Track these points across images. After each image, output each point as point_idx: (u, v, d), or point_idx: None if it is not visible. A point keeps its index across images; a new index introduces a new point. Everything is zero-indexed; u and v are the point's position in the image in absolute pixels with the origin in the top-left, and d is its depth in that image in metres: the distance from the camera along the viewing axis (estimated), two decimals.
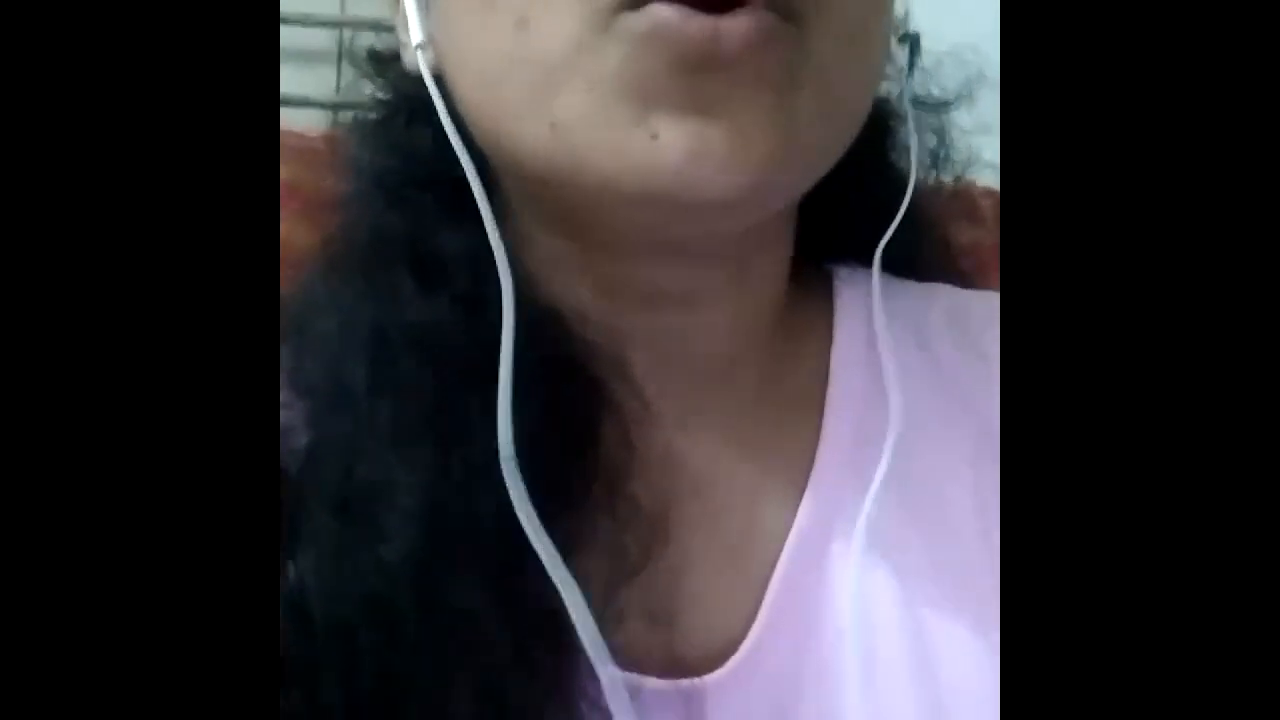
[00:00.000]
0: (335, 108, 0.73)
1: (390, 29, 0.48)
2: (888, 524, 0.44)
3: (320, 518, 0.40)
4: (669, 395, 0.45)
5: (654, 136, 0.36)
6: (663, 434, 0.45)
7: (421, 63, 0.42)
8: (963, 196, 0.54)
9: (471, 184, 0.40)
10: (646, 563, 0.42)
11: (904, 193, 0.46)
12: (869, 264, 0.48)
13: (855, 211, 0.48)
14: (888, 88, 0.47)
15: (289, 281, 0.45)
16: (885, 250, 0.47)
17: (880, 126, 0.49)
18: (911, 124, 0.47)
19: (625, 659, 0.41)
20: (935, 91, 0.52)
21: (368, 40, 0.51)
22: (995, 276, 0.35)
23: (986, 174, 0.54)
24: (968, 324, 0.49)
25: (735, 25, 0.35)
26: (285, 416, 0.39)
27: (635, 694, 0.42)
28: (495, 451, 0.38)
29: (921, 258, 0.53)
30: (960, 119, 0.53)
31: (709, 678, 0.43)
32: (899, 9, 0.45)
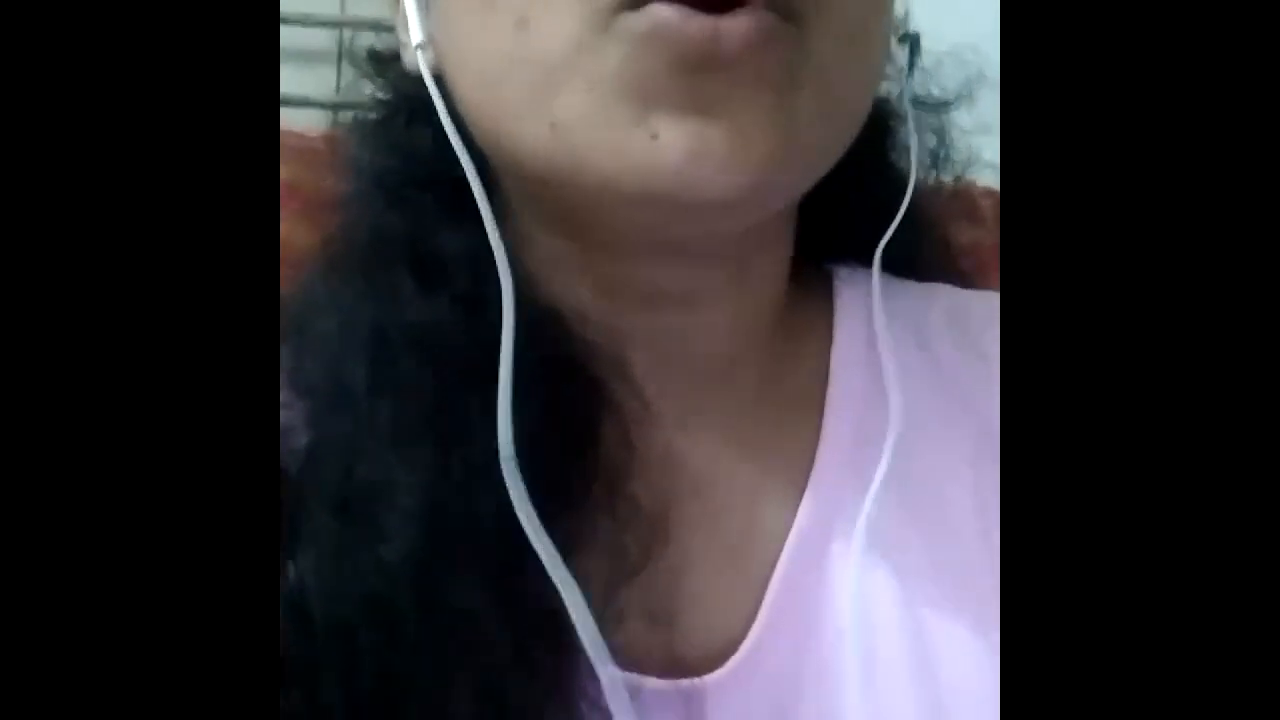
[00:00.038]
0: (335, 108, 0.73)
1: (390, 29, 0.48)
2: (888, 524, 0.44)
3: (320, 518, 0.40)
4: (669, 395, 0.45)
5: (654, 136, 0.36)
6: (663, 434, 0.45)
7: (421, 63, 0.42)
8: (963, 196, 0.54)
9: (471, 184, 0.40)
10: (646, 563, 0.42)
11: (904, 193, 0.46)
12: (869, 264, 0.48)
13: (855, 211, 0.48)
14: (887, 88, 0.47)
15: (289, 281, 0.45)
16: (885, 250, 0.47)
17: (880, 126, 0.49)
18: (911, 124, 0.47)
19: (625, 659, 0.41)
20: (935, 91, 0.53)
21: (368, 40, 0.51)
22: (995, 276, 0.35)
23: (987, 174, 0.54)
24: (968, 324, 0.50)
25: (735, 25, 0.35)
26: (285, 416, 0.39)
27: (635, 694, 0.42)
28: (495, 451, 0.38)
29: (922, 258, 0.53)
30: (960, 119, 0.53)
31: (709, 678, 0.43)
32: (899, 9, 0.45)
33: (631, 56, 0.36)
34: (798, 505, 0.45)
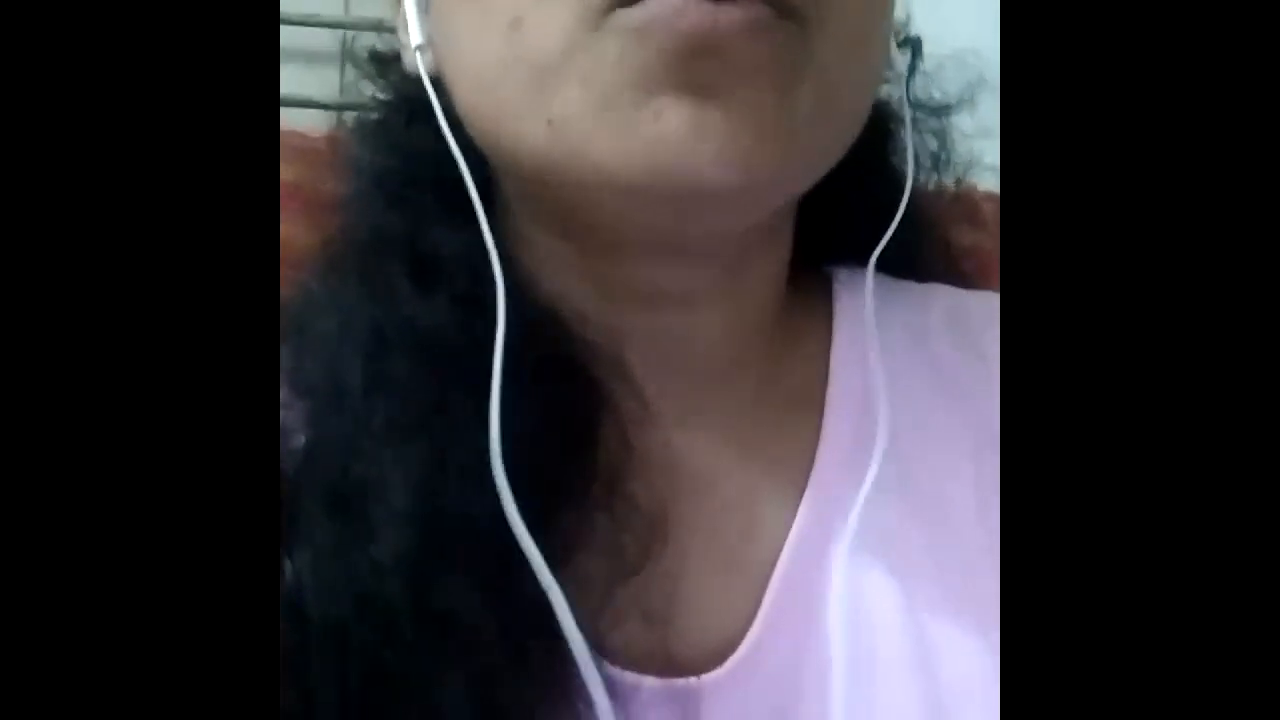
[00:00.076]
0: (339, 108, 0.73)
1: (393, 30, 0.48)
2: (889, 523, 0.44)
3: (316, 517, 0.40)
4: (668, 395, 0.45)
5: (652, 120, 0.36)
6: (662, 434, 0.45)
7: (420, 65, 0.42)
8: (964, 200, 0.54)
9: (466, 185, 0.40)
10: (645, 563, 0.42)
11: (907, 193, 0.46)
12: (868, 265, 0.48)
13: (855, 214, 0.48)
14: (888, 90, 0.47)
15: (291, 282, 0.45)
16: (885, 252, 0.47)
17: (880, 129, 0.49)
18: (909, 127, 0.47)
19: (624, 658, 0.42)
20: (937, 95, 0.53)
21: (372, 41, 0.51)
22: (996, 279, 0.35)
23: (988, 178, 0.54)
24: (967, 324, 0.50)
25: (732, 14, 0.36)
26: (284, 416, 0.39)
27: (633, 693, 0.42)
28: (488, 451, 0.38)
29: (922, 259, 0.53)
30: (962, 123, 0.53)
31: (706, 677, 0.43)
32: (900, 13, 0.46)
33: (628, 50, 0.36)
34: (797, 506, 0.45)
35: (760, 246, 0.45)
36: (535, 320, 0.42)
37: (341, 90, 0.55)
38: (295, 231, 0.47)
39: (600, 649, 0.41)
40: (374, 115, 0.50)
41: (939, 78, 0.52)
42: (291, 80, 0.96)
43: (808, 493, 0.45)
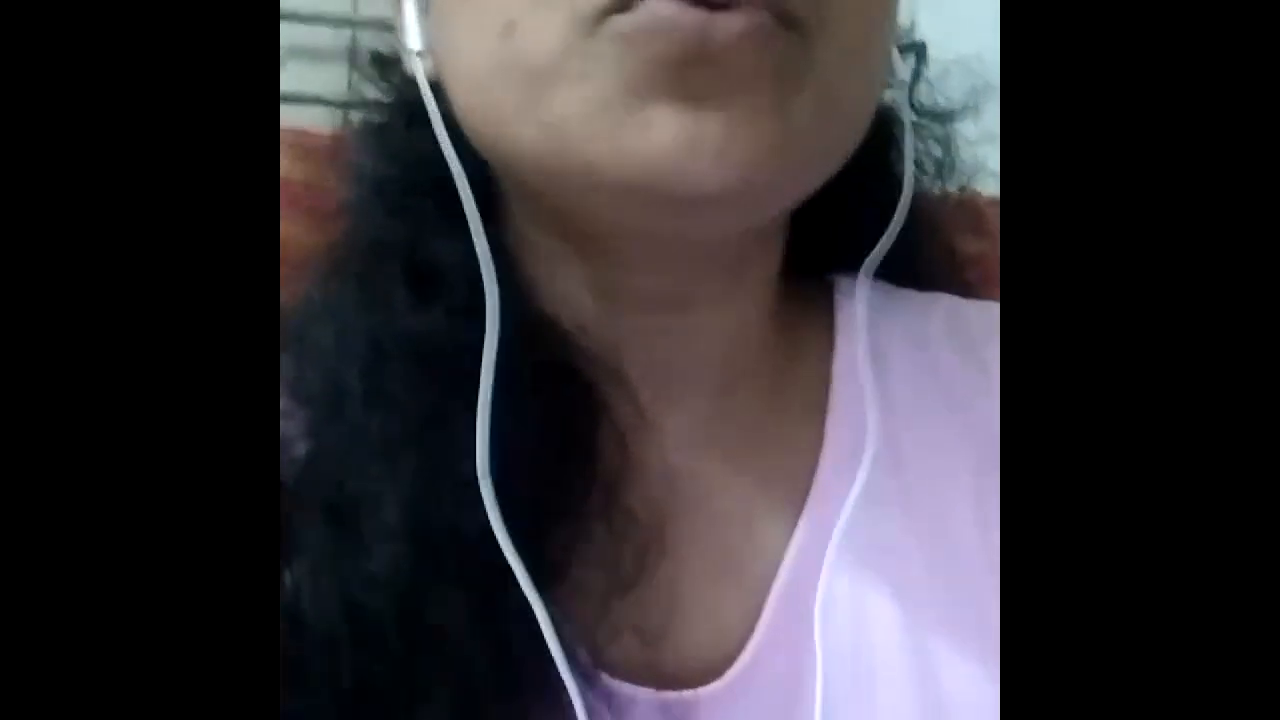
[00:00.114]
0: (346, 106, 0.73)
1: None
2: (888, 536, 0.44)
3: (313, 527, 0.40)
4: (667, 405, 0.45)
5: (647, 126, 0.36)
6: (660, 446, 0.45)
7: (418, 69, 0.42)
8: (968, 207, 0.54)
9: (460, 191, 0.40)
10: (642, 575, 0.42)
11: (906, 201, 0.46)
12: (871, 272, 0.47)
13: (857, 220, 0.48)
14: (891, 96, 0.47)
15: (299, 282, 0.45)
16: (888, 259, 0.47)
17: (884, 135, 0.49)
18: (909, 133, 0.47)
19: (621, 671, 0.41)
20: (941, 101, 0.52)
21: (380, 39, 0.51)
22: (999, 287, 0.34)
23: (993, 184, 0.54)
24: (968, 334, 0.49)
25: (728, 22, 0.35)
26: (284, 426, 0.39)
27: (630, 706, 0.42)
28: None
29: (925, 267, 0.52)
30: (966, 129, 0.53)
31: (704, 690, 0.43)
32: (904, 19, 0.45)
33: (623, 56, 0.36)
34: (797, 518, 0.45)
35: (759, 251, 0.45)
36: (532, 329, 0.42)
37: (349, 88, 0.55)
38: (302, 231, 0.47)
39: (597, 661, 0.41)
40: (376, 118, 0.50)
41: (944, 83, 0.52)
42: (299, 77, 0.96)
43: (808, 505, 0.45)
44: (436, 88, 0.42)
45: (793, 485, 0.46)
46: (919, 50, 0.48)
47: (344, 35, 1.11)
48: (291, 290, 0.40)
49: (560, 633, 0.39)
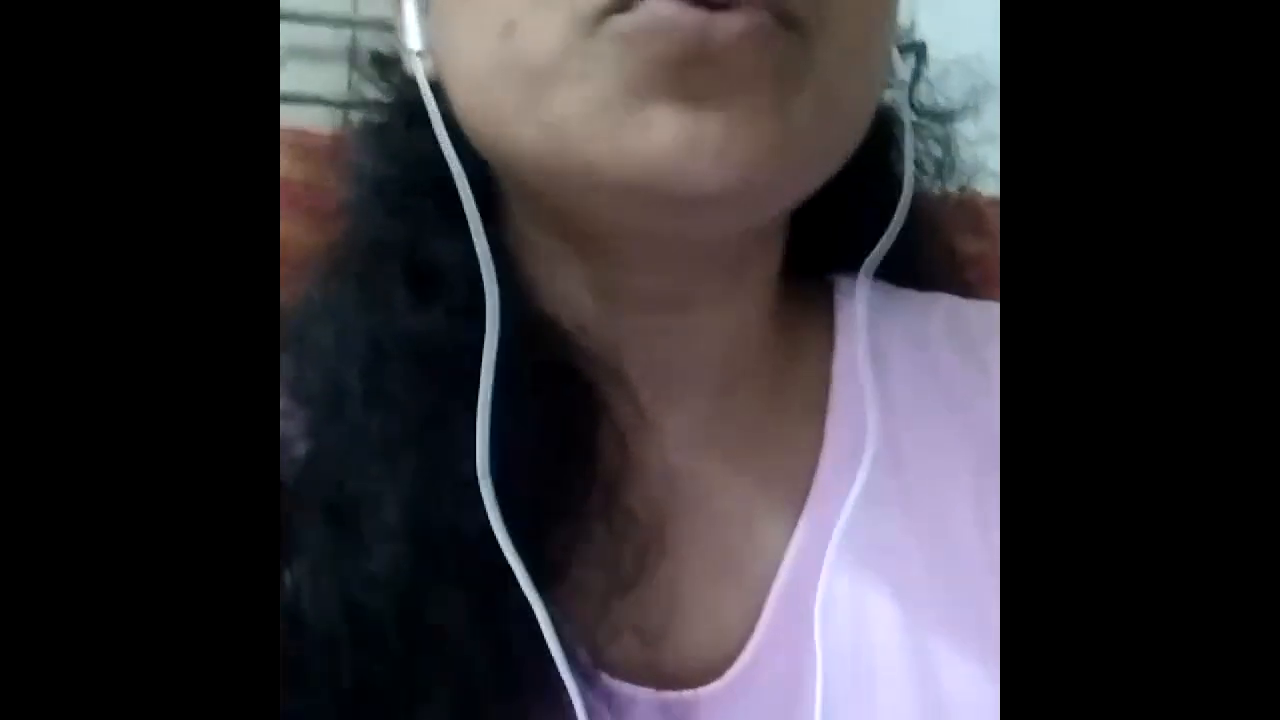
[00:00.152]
0: (346, 106, 0.73)
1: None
2: (888, 536, 0.44)
3: (313, 527, 0.40)
4: (667, 405, 0.45)
5: (647, 126, 0.36)
6: (660, 446, 0.45)
7: (418, 69, 0.42)
8: (968, 207, 0.54)
9: (460, 191, 0.40)
10: (642, 575, 0.42)
11: (905, 202, 0.46)
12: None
13: (857, 220, 0.48)
14: (891, 95, 0.47)
15: (299, 281, 0.45)
16: (888, 259, 0.47)
17: (884, 135, 0.49)
18: (909, 133, 0.47)
19: (621, 671, 0.41)
20: (941, 101, 0.52)
21: (380, 39, 0.51)
22: (999, 287, 0.34)
23: (993, 184, 0.54)
24: (968, 334, 0.49)
25: (728, 22, 0.35)
26: (285, 426, 0.39)
27: (630, 705, 0.42)
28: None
29: (925, 267, 0.52)
30: (967, 129, 0.53)
31: (704, 691, 0.43)
32: (904, 19, 0.45)
33: (623, 56, 0.36)
34: (797, 519, 0.45)
35: (759, 251, 0.45)
36: (533, 329, 0.42)
37: (349, 88, 0.55)
38: (302, 231, 0.47)
39: (597, 661, 0.41)
40: (376, 118, 0.50)
41: (944, 84, 0.52)
42: (299, 77, 0.96)
43: (808, 505, 0.45)
44: (436, 88, 0.42)
45: (793, 485, 0.46)
46: (919, 50, 0.48)
47: (344, 35, 1.11)
48: (291, 290, 0.40)
49: (560, 633, 0.39)
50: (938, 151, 0.53)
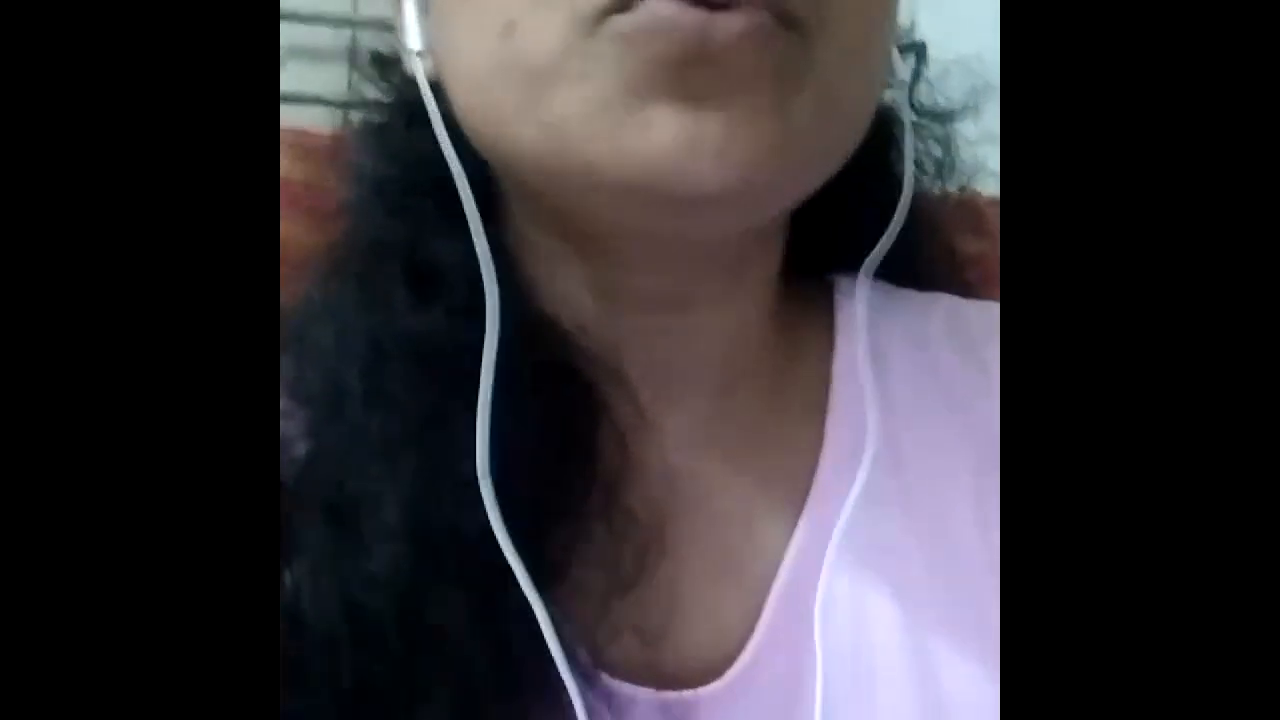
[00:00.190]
0: (346, 106, 0.73)
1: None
2: (888, 536, 0.44)
3: (313, 527, 0.40)
4: (667, 405, 0.45)
5: (647, 126, 0.36)
6: (660, 446, 0.45)
7: (418, 68, 0.42)
8: (969, 207, 0.54)
9: (461, 191, 0.40)
10: (642, 575, 0.42)
11: (905, 202, 0.46)
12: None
13: (857, 220, 0.48)
14: (892, 95, 0.47)
15: (299, 282, 0.45)
16: (888, 259, 0.47)
17: (884, 134, 0.49)
18: (909, 133, 0.47)
19: (621, 670, 0.41)
20: (942, 101, 0.52)
21: (380, 39, 0.51)
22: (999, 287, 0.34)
23: (993, 184, 0.54)
24: (968, 334, 0.49)
25: (728, 22, 0.35)
26: (285, 426, 0.39)
27: (630, 705, 0.42)
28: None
29: (925, 267, 0.52)
30: (968, 130, 0.53)
31: (704, 690, 0.42)
32: (905, 19, 0.45)
33: (623, 56, 0.36)
34: (797, 518, 0.45)
35: (759, 251, 0.45)
36: (533, 329, 0.42)
37: (349, 88, 0.55)
38: (302, 231, 0.47)
39: (597, 661, 0.41)
40: (376, 118, 0.50)
41: (944, 84, 0.52)
42: (299, 77, 0.96)
43: (808, 505, 0.45)
44: (436, 87, 0.42)
45: (793, 485, 0.46)
46: (919, 50, 0.48)
47: (344, 35, 1.11)
48: (291, 290, 0.40)
49: (560, 633, 0.39)
50: (938, 152, 0.53)
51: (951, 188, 0.53)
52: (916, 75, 0.49)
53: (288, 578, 0.40)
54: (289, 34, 0.99)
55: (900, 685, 0.43)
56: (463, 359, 0.41)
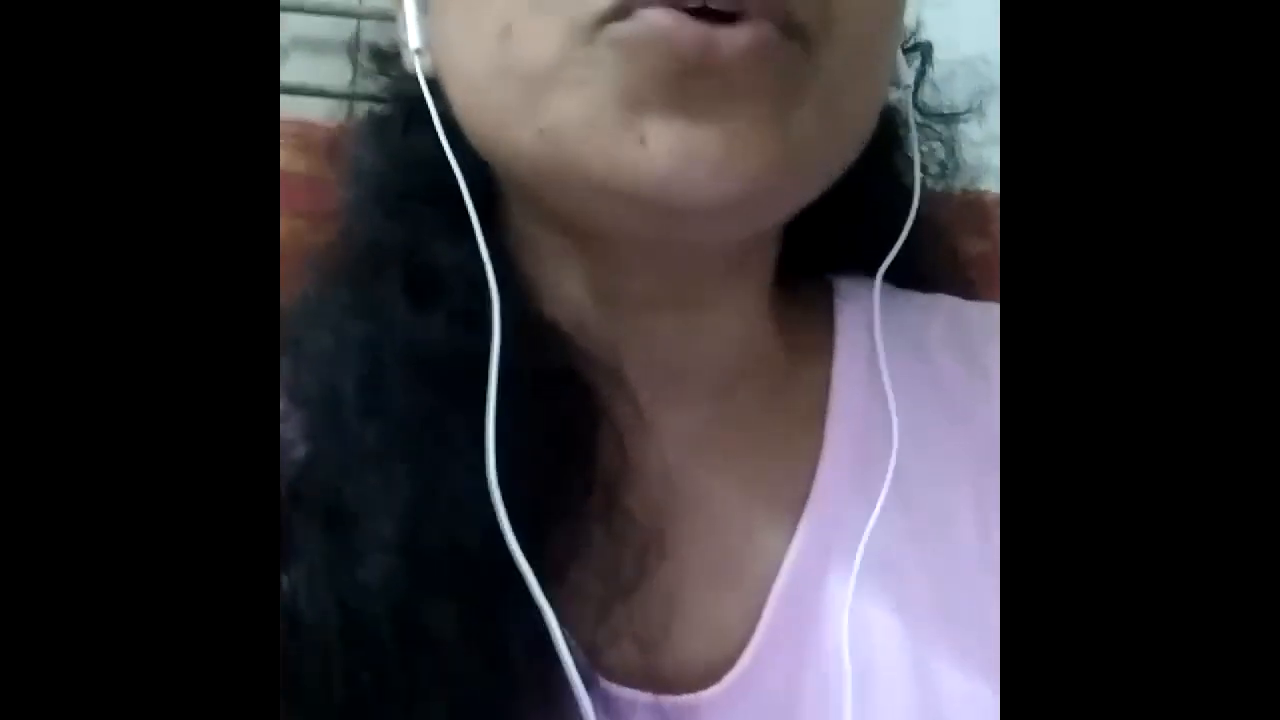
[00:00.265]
0: (352, 98, 0.73)
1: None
2: (888, 543, 0.44)
3: (311, 532, 0.40)
4: (666, 407, 0.45)
5: (642, 140, 0.36)
6: (660, 448, 0.45)
7: (418, 68, 0.42)
8: (973, 207, 0.54)
9: (462, 191, 0.40)
10: (641, 579, 0.41)
11: (909, 203, 0.46)
12: (872, 272, 0.47)
13: (859, 221, 0.48)
14: (897, 95, 0.47)
15: (299, 279, 0.45)
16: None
17: (888, 135, 0.48)
18: (915, 136, 0.47)
19: (619, 675, 0.41)
20: (947, 103, 0.52)
21: (382, 32, 0.51)
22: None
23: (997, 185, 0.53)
24: (969, 338, 0.49)
25: (733, 36, 0.35)
26: (284, 428, 0.39)
27: (629, 710, 0.41)
28: (484, 470, 0.38)
29: (927, 267, 0.52)
30: (973, 131, 0.53)
31: (703, 695, 0.42)
32: (910, 20, 0.45)
33: (621, 64, 0.35)
34: (796, 522, 0.45)
35: (759, 253, 0.45)
36: (533, 332, 0.42)
37: (352, 81, 0.55)
38: (303, 225, 0.47)
39: (595, 665, 0.41)
40: (378, 113, 0.49)
41: (949, 85, 0.52)
42: (302, 69, 0.96)
43: (808, 510, 0.45)
44: (436, 85, 0.42)
45: (793, 488, 0.45)
46: (924, 51, 0.48)
47: (348, 27, 1.10)
48: (292, 286, 0.40)
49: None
50: (941, 153, 0.53)
51: (955, 188, 0.53)
52: (921, 76, 0.48)
53: (285, 581, 0.39)
54: (291, 25, 0.99)
55: (900, 695, 0.43)
56: (463, 365, 0.40)
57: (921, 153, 0.50)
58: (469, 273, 0.41)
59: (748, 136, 0.36)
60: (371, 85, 0.50)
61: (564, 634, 0.38)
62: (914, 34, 0.50)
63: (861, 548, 0.43)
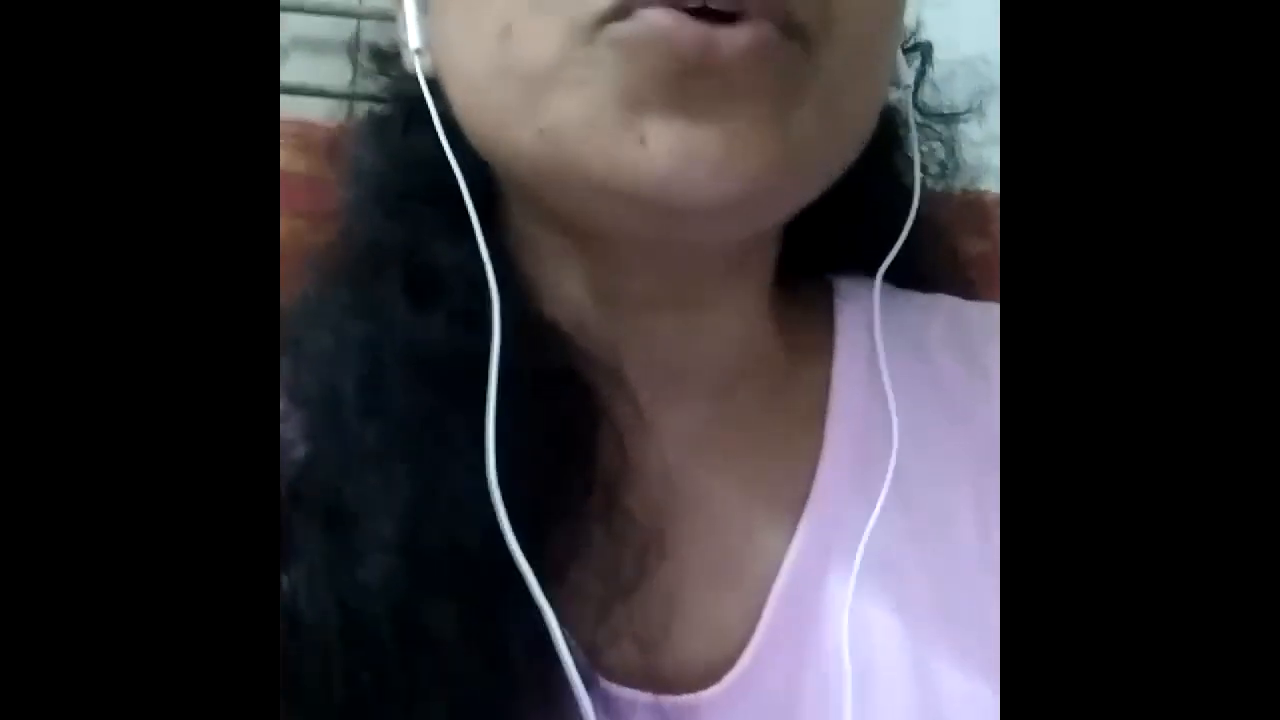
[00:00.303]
0: (350, 98, 0.73)
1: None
2: (888, 542, 0.44)
3: (310, 532, 0.40)
4: (666, 407, 0.45)
5: (642, 140, 0.36)
6: (660, 447, 0.45)
7: (418, 68, 0.42)
8: (974, 207, 0.54)
9: (462, 191, 0.40)
10: (641, 579, 0.41)
11: (909, 203, 0.46)
12: (872, 273, 0.47)
13: (859, 220, 0.48)
14: (897, 95, 0.47)
15: (299, 279, 0.45)
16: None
17: (888, 135, 0.48)
18: (915, 136, 0.47)
19: (619, 675, 0.41)
20: (947, 102, 0.52)
21: (382, 32, 0.51)
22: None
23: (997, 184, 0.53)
24: (969, 338, 0.49)
25: (733, 36, 0.35)
26: (284, 428, 0.39)
27: (629, 710, 0.41)
28: (484, 470, 0.38)
29: (927, 267, 0.52)
30: (973, 131, 0.53)
31: (703, 695, 0.42)
32: (910, 19, 0.45)
33: (620, 64, 0.35)
34: (797, 523, 0.45)
35: (759, 252, 0.45)
36: (533, 332, 0.42)
37: (352, 81, 0.55)
38: (303, 225, 0.47)
39: (595, 665, 0.41)
40: (378, 113, 0.49)
41: (949, 85, 0.52)
42: (305, 69, 0.96)
43: (808, 510, 0.45)
44: (436, 85, 0.42)
45: (792, 487, 0.45)
46: (924, 51, 0.48)
47: (348, 27, 1.10)
48: (292, 286, 0.40)
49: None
50: (941, 153, 0.53)
51: (955, 187, 0.53)
52: (921, 76, 0.48)
53: (285, 581, 0.39)
54: (291, 25, 0.99)
55: (900, 692, 0.43)
56: (463, 365, 0.40)
57: (921, 153, 0.50)
58: (469, 273, 0.41)
59: (748, 136, 0.36)
60: (371, 85, 0.50)
61: (564, 634, 0.38)
62: (914, 34, 0.50)
63: (861, 548, 0.43)
